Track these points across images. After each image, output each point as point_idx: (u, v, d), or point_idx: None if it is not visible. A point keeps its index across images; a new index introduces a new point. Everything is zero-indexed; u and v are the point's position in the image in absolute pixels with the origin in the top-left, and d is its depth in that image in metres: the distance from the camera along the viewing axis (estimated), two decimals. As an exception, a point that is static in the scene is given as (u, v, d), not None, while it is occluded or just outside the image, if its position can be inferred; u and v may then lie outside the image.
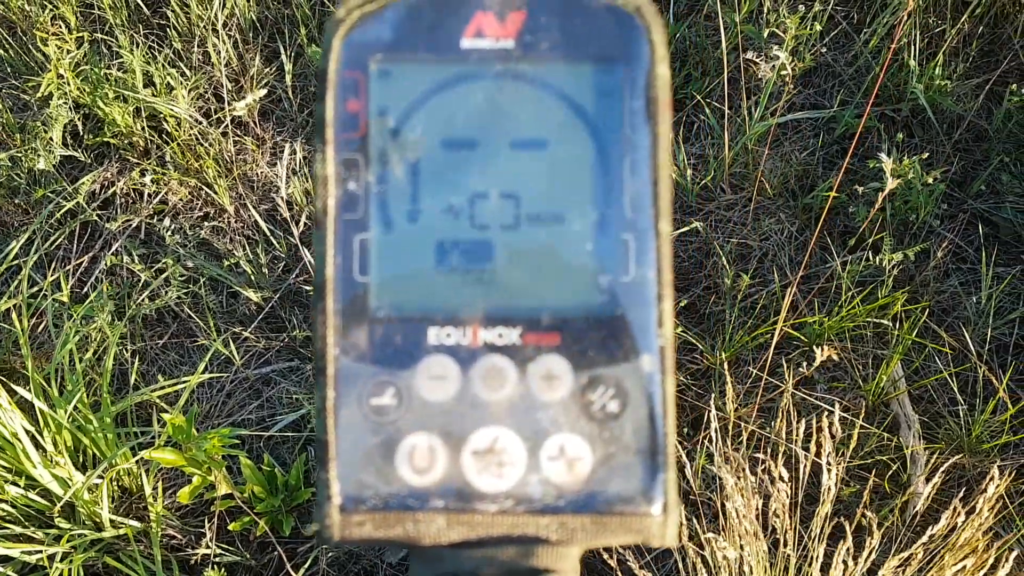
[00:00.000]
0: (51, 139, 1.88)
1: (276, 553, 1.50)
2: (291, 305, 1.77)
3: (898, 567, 1.23)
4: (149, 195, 1.90)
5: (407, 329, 0.33)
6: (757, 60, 1.75)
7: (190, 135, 1.91)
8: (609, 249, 0.33)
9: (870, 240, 1.76)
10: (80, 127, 1.95)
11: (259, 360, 1.72)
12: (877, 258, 1.66)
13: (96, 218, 1.87)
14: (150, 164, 1.91)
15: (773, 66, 1.66)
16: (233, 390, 1.69)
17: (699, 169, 1.90)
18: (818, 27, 1.77)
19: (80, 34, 2.02)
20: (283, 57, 1.95)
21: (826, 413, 1.30)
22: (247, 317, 1.76)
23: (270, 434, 1.61)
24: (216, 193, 1.85)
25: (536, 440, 0.33)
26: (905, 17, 1.86)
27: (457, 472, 0.32)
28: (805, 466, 1.19)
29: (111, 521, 1.43)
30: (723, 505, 1.19)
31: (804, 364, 1.60)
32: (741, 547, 1.14)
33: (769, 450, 1.36)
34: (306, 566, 1.47)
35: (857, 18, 2.05)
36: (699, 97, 1.93)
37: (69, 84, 1.91)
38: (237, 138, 1.94)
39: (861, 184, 1.76)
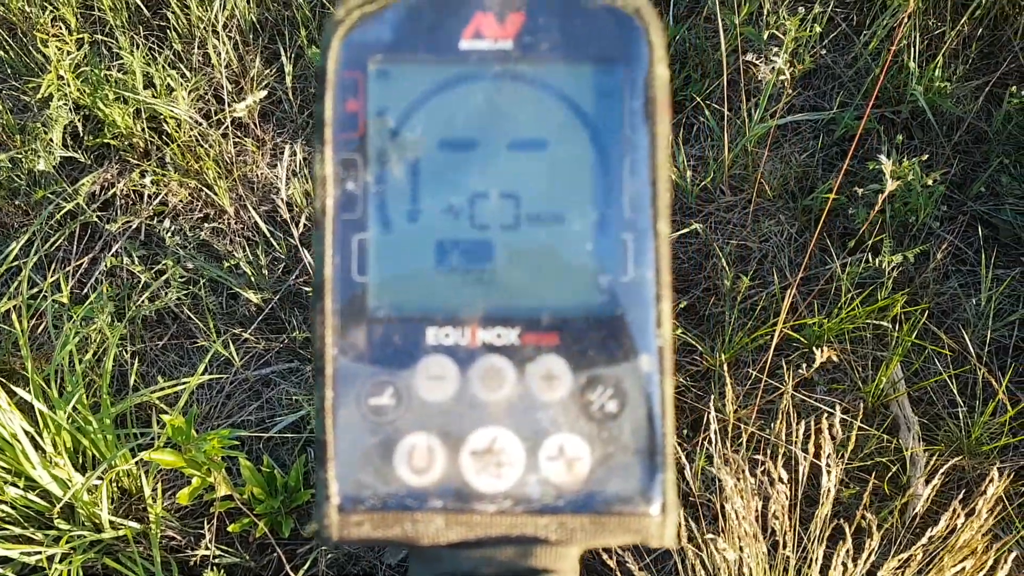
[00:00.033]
0: (51, 140, 1.89)
1: (275, 554, 1.50)
2: (291, 306, 1.77)
3: (897, 569, 1.23)
4: (149, 196, 1.90)
5: (406, 329, 0.33)
6: (757, 62, 1.75)
7: (190, 136, 1.91)
8: (608, 249, 0.33)
9: (870, 242, 1.76)
10: (80, 128, 1.96)
11: (259, 361, 1.72)
12: (877, 260, 1.66)
13: (96, 219, 1.87)
14: (150, 165, 1.91)
15: (773, 68, 1.66)
16: (233, 391, 1.69)
17: (699, 171, 1.90)
18: (818, 29, 1.77)
19: (80, 35, 2.02)
20: (283, 59, 1.96)
21: (826, 415, 1.30)
22: (247, 318, 1.76)
23: (270, 435, 1.61)
24: (216, 194, 1.85)
25: (535, 440, 0.33)
26: (905, 19, 1.86)
27: (456, 472, 0.32)
28: (804, 468, 1.19)
29: (110, 522, 1.43)
30: (722, 507, 1.19)
31: (804, 366, 1.60)
32: (740, 549, 1.14)
33: (769, 452, 1.36)
34: (305, 567, 1.47)
35: (857, 20, 2.06)
36: (699, 99, 1.93)
37: (69, 85, 1.91)
38: (237, 139, 1.94)
39: (861, 186, 1.76)
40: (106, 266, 1.80)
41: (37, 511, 1.44)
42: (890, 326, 1.66)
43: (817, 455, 1.21)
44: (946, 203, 1.86)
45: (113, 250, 1.83)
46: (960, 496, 1.18)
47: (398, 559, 1.53)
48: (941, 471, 1.21)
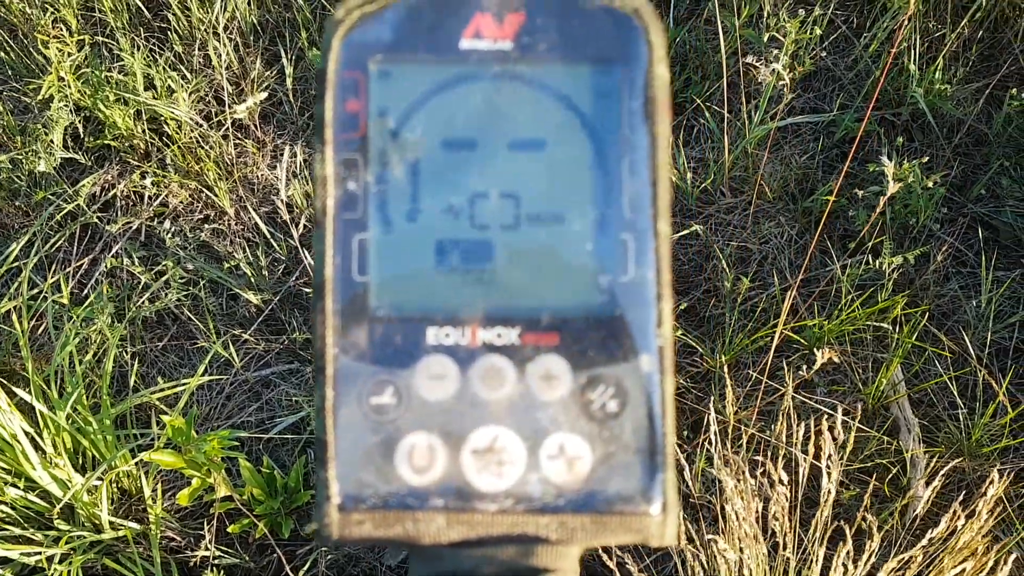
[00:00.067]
0: (52, 141, 1.89)
1: (275, 555, 1.50)
2: (291, 307, 1.77)
3: (897, 570, 1.23)
4: (149, 197, 1.90)
5: (406, 329, 0.33)
6: (757, 64, 1.75)
7: (191, 138, 1.92)
8: (608, 249, 0.33)
9: (870, 244, 1.76)
10: (81, 130, 1.96)
11: (259, 362, 1.72)
12: (877, 262, 1.66)
13: (96, 220, 1.87)
14: (151, 167, 1.91)
15: (773, 70, 1.67)
16: (233, 392, 1.69)
17: (699, 172, 1.90)
18: (818, 31, 1.78)
19: (81, 37, 2.03)
20: (284, 60, 1.96)
21: (826, 416, 1.30)
22: (247, 319, 1.76)
23: (269, 436, 1.61)
24: (216, 196, 1.85)
25: (535, 439, 0.33)
26: (905, 21, 1.86)
27: (456, 471, 0.32)
28: (805, 469, 1.19)
29: (110, 523, 1.43)
30: (723, 508, 1.19)
31: (804, 367, 1.59)
32: (741, 550, 1.14)
33: (769, 453, 1.36)
34: (305, 568, 1.47)
35: (857, 22, 2.06)
36: (699, 101, 1.93)
37: (70, 87, 1.91)
38: (238, 141, 1.95)
39: (861, 188, 1.76)
40: (106, 267, 1.80)
41: (37, 512, 1.44)
42: (890, 328, 1.66)
43: (817, 456, 1.21)
44: (946, 205, 1.86)
45: (113, 251, 1.83)
46: (960, 498, 1.18)
47: (398, 560, 1.52)
48: (941, 473, 1.21)
